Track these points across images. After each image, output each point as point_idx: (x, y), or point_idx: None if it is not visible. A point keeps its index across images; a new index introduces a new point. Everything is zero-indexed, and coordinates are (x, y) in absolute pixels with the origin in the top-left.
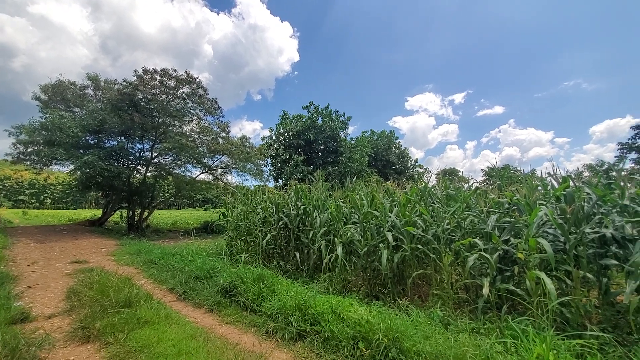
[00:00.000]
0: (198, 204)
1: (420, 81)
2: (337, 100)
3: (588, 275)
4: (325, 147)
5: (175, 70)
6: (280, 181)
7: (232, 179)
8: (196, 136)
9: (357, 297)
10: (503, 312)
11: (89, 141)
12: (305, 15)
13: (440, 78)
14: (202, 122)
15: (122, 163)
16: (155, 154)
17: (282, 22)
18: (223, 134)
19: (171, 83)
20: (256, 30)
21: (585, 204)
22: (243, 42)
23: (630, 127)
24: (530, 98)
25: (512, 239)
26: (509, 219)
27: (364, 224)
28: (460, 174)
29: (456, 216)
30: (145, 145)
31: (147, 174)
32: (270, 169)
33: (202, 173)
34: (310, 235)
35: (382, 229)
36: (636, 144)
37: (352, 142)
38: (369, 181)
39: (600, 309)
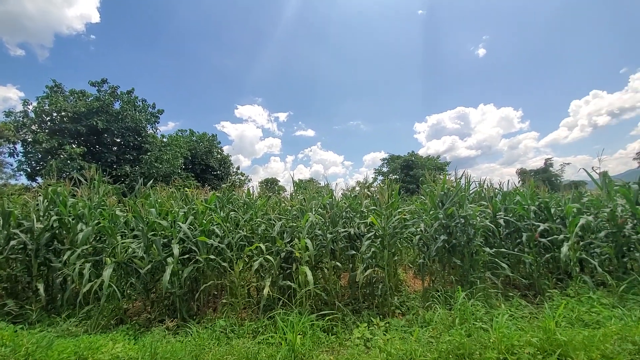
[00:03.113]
0: None
1: (251, 92)
2: (149, 89)
3: (338, 264)
4: (123, 140)
5: None
6: (40, 180)
7: None
8: None
9: (130, 328)
10: (278, 307)
11: None
12: None
13: (268, 94)
14: None
15: None
16: None
17: None
18: None
19: None
20: None
21: (344, 211)
22: None
23: (380, 159)
24: (331, 128)
25: (296, 240)
26: (293, 224)
27: (149, 236)
28: (279, 183)
29: (251, 223)
30: None
31: None
32: (20, 161)
33: None
34: (66, 257)
35: (173, 241)
36: (383, 170)
37: (165, 140)
38: (180, 186)
39: (348, 289)
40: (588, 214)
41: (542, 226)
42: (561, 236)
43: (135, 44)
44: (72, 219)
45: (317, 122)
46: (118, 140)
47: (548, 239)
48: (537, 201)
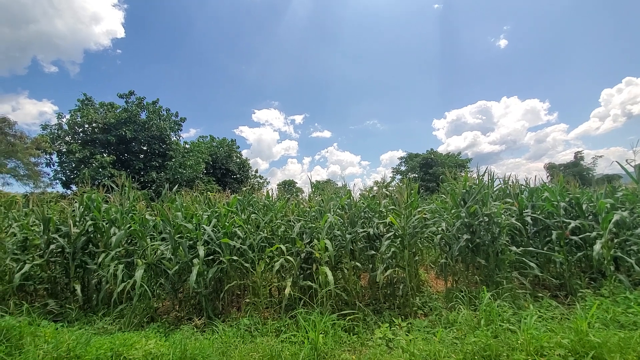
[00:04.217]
0: None
1: (267, 96)
2: (172, 99)
3: (358, 264)
4: (149, 148)
5: None
6: (74, 187)
7: None
8: None
9: (161, 326)
10: (299, 306)
11: None
12: None
13: (284, 97)
14: None
15: None
16: None
17: None
18: None
19: None
20: None
21: (362, 211)
22: None
23: (398, 158)
24: (347, 128)
25: (315, 240)
26: (312, 225)
27: (176, 239)
28: (297, 185)
29: (271, 225)
30: None
31: None
32: (56, 170)
33: None
34: (101, 259)
35: (198, 243)
36: (401, 169)
37: (187, 146)
38: (203, 190)
39: (369, 289)
40: (623, 209)
41: (573, 223)
42: (594, 233)
43: (158, 55)
44: (106, 224)
45: (333, 123)
46: (145, 148)
47: (580, 236)
48: (567, 197)
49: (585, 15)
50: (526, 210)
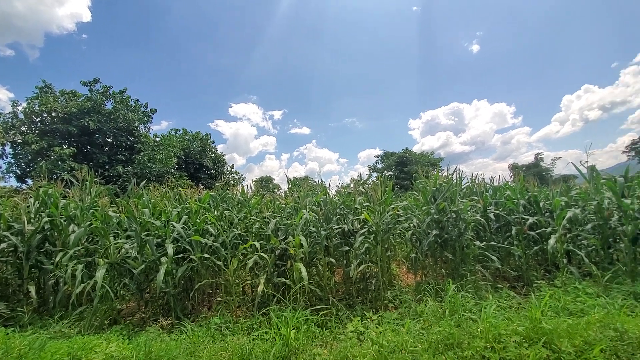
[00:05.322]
0: None
1: (245, 90)
2: (142, 89)
3: (332, 260)
4: (115, 141)
5: None
6: (29, 181)
7: None
8: None
9: (124, 328)
10: (273, 303)
11: None
12: None
13: (263, 92)
14: None
15: None
16: None
17: None
18: None
19: None
20: None
21: (338, 207)
22: None
23: (375, 156)
24: (326, 126)
25: (291, 237)
26: (287, 221)
27: (142, 236)
28: (274, 181)
29: (246, 221)
30: None
31: None
32: (9, 162)
33: None
34: (58, 259)
35: (166, 240)
36: (377, 167)
37: (157, 139)
38: (174, 185)
39: (342, 284)
40: (576, 207)
41: (530, 219)
42: (549, 229)
43: (128, 42)
44: (64, 221)
45: (312, 120)
46: (110, 140)
47: (537, 231)
48: (527, 195)
49: (553, 26)
50: (490, 207)
